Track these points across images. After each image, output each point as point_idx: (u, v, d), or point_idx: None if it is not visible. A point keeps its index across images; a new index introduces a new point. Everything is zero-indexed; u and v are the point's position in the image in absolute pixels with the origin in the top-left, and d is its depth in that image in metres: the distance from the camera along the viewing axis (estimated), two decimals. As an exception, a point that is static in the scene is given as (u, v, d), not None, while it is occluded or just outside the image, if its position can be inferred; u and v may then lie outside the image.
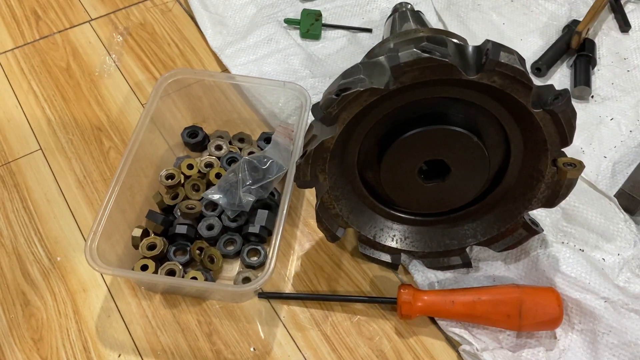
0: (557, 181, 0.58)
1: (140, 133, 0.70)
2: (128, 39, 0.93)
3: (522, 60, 0.52)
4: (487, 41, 0.52)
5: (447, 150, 0.59)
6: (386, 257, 0.68)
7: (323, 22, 0.92)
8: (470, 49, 0.53)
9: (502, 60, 0.50)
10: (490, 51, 0.50)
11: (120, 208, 0.67)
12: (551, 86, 0.54)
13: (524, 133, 0.58)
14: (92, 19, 0.95)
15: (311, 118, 0.57)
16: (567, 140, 0.55)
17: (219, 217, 0.70)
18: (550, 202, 0.60)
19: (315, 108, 0.55)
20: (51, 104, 0.85)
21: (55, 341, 0.64)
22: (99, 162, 0.78)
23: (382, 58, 0.53)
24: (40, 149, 0.80)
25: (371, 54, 0.70)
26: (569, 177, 0.57)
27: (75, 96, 0.86)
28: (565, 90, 0.53)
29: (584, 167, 0.56)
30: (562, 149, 0.57)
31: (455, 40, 0.65)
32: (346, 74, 0.55)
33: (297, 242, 0.72)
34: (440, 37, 0.53)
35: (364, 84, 0.53)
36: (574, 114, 0.54)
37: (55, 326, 0.65)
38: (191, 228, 0.69)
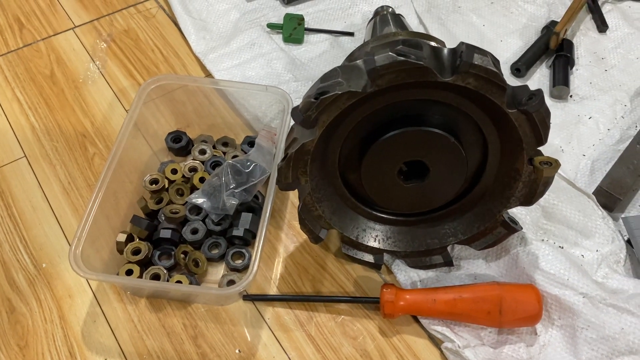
0: (534, 180, 0.59)
1: (123, 139, 0.71)
2: (112, 45, 0.93)
3: (496, 62, 0.53)
4: (462, 43, 0.53)
5: (426, 151, 0.60)
6: (369, 258, 0.68)
7: (305, 26, 0.93)
8: (445, 51, 0.54)
9: (476, 62, 0.51)
10: (464, 53, 0.51)
11: (105, 214, 0.67)
12: (525, 86, 0.55)
13: (501, 133, 0.59)
14: (75, 26, 0.96)
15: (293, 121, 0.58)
16: (542, 139, 0.56)
17: (203, 221, 0.70)
18: (528, 200, 0.61)
19: (295, 112, 0.56)
20: (35, 112, 0.85)
21: (41, 347, 0.65)
22: (84, 169, 0.79)
23: (359, 62, 0.54)
24: (25, 156, 0.80)
25: (351, 57, 0.71)
26: (546, 175, 0.58)
27: (60, 103, 0.86)
28: (539, 90, 0.54)
29: (559, 165, 0.58)
30: (539, 148, 0.58)
31: (432, 43, 0.66)
32: (324, 77, 0.56)
33: (281, 244, 0.72)
34: (416, 40, 0.54)
35: (342, 87, 0.53)
36: (548, 113, 0.55)
37: (41, 332, 0.66)
38: (175, 232, 0.69)
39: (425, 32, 0.93)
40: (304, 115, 0.55)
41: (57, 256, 0.71)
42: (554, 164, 0.57)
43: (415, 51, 0.52)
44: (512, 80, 0.88)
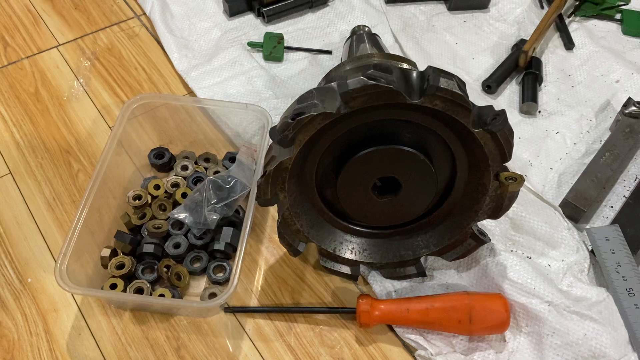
0: (500, 194, 0.63)
1: (107, 156, 0.73)
2: (96, 63, 0.95)
3: (461, 84, 0.57)
4: (429, 67, 0.56)
5: (398, 168, 0.63)
6: (346, 269, 0.71)
7: (285, 44, 0.96)
8: (414, 74, 0.57)
9: (442, 86, 0.54)
10: (431, 77, 0.55)
11: (90, 229, 0.69)
12: (490, 107, 0.59)
13: (468, 150, 0.62)
14: (59, 44, 0.98)
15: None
16: (506, 156, 0.59)
17: (185, 235, 0.73)
18: (495, 213, 0.64)
19: (273, 131, 0.59)
20: (20, 129, 0.87)
21: (27, 361, 0.66)
22: (68, 185, 0.81)
23: (333, 84, 0.57)
24: (10, 172, 0.82)
25: (328, 77, 0.74)
26: (511, 190, 0.61)
27: (44, 120, 0.88)
28: (502, 110, 0.58)
29: (524, 180, 0.61)
30: (504, 164, 0.61)
31: (405, 66, 0.70)
32: (301, 99, 0.58)
33: (262, 257, 0.75)
34: (387, 64, 0.57)
35: (317, 108, 0.56)
36: (511, 132, 0.58)
37: (27, 346, 0.67)
38: (158, 247, 0.71)
39: (400, 51, 0.97)
40: (281, 134, 0.58)
41: (42, 271, 0.73)
42: (518, 180, 0.61)
43: (385, 75, 0.55)
44: (483, 97, 0.91)
